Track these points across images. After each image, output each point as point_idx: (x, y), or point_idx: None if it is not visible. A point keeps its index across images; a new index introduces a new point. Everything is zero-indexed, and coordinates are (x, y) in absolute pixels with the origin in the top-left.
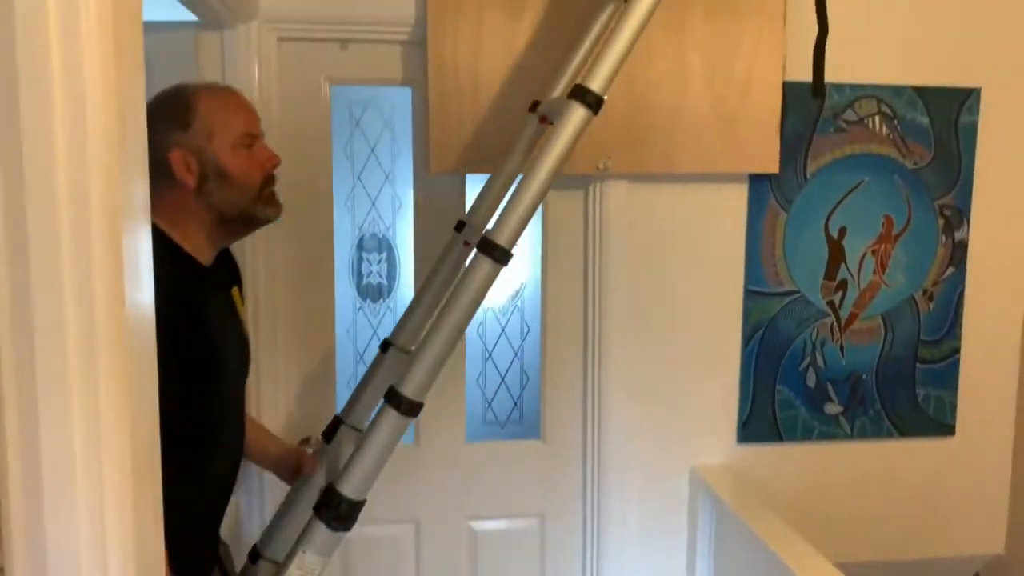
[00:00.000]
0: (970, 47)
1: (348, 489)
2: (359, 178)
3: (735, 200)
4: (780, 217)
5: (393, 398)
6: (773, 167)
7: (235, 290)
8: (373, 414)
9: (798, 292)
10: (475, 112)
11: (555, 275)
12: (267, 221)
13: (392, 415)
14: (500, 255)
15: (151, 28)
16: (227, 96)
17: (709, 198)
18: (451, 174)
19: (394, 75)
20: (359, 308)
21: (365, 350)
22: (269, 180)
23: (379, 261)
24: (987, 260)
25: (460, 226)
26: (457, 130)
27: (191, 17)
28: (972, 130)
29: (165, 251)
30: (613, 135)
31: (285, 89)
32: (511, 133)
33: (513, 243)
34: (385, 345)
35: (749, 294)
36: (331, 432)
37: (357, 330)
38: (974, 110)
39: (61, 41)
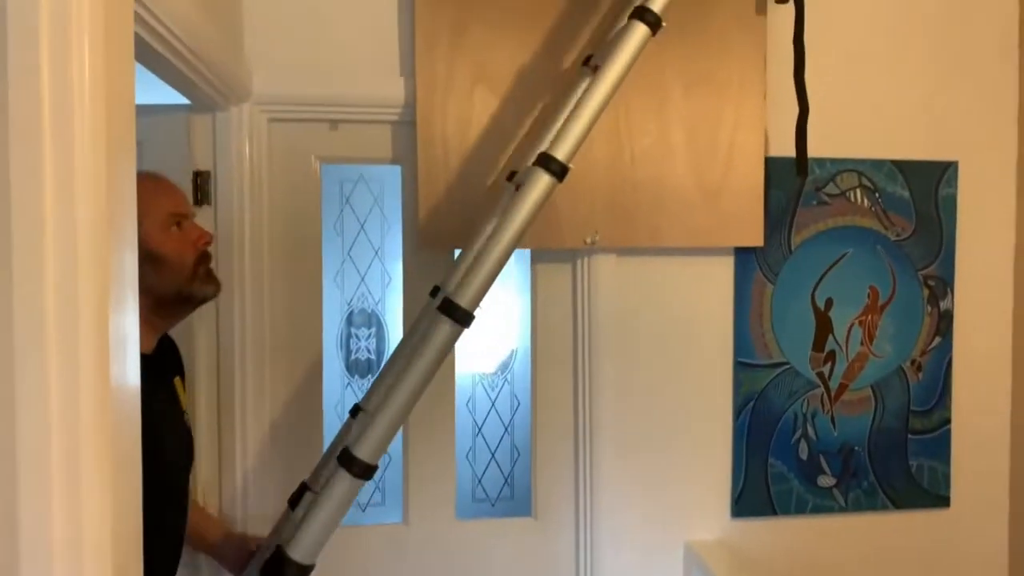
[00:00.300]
0: (946, 122)
1: (297, 553)
2: (349, 254)
3: (722, 272)
4: (767, 289)
5: (346, 460)
6: (758, 240)
7: (177, 380)
8: None
9: (787, 364)
10: (463, 189)
11: (544, 348)
12: (205, 299)
13: (345, 478)
14: (461, 316)
15: (144, 111)
16: (150, 181)
17: (696, 270)
18: (440, 249)
19: (384, 154)
20: (347, 384)
21: None
22: (204, 258)
23: (368, 336)
24: (973, 329)
25: (435, 291)
26: (446, 206)
27: (184, 100)
28: (952, 202)
29: None
30: (600, 210)
31: (276, 168)
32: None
33: (475, 305)
34: (355, 410)
35: (739, 366)
36: (296, 499)
37: (345, 407)
38: (952, 183)
39: (54, 123)
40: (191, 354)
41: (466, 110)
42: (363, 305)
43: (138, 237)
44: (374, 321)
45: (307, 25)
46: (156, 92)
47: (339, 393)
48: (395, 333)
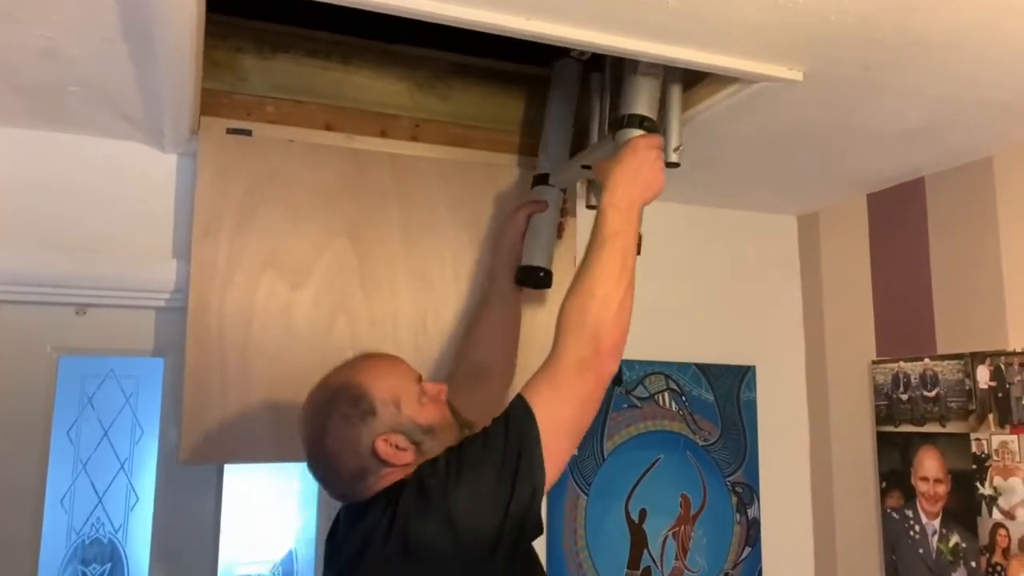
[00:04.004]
0: (742, 329)
1: None
2: (85, 467)
3: None
4: (580, 500)
5: None
6: None
7: None
8: None
9: None
10: (242, 390)
11: None
12: None
13: None
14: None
15: None
16: (377, 361)
17: None
18: (207, 463)
19: (143, 345)
20: None
21: None
22: (452, 407)
23: (101, 575)
24: (779, 538)
25: None
26: (219, 411)
27: None
28: (752, 406)
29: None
30: None
31: None
32: (286, 416)
33: None
34: None
35: None
36: None
37: None
38: (752, 387)
39: None
40: None
41: (250, 299)
42: (98, 534)
43: (407, 421)
44: (109, 555)
45: (57, 194)
46: None
47: None
48: (139, 571)
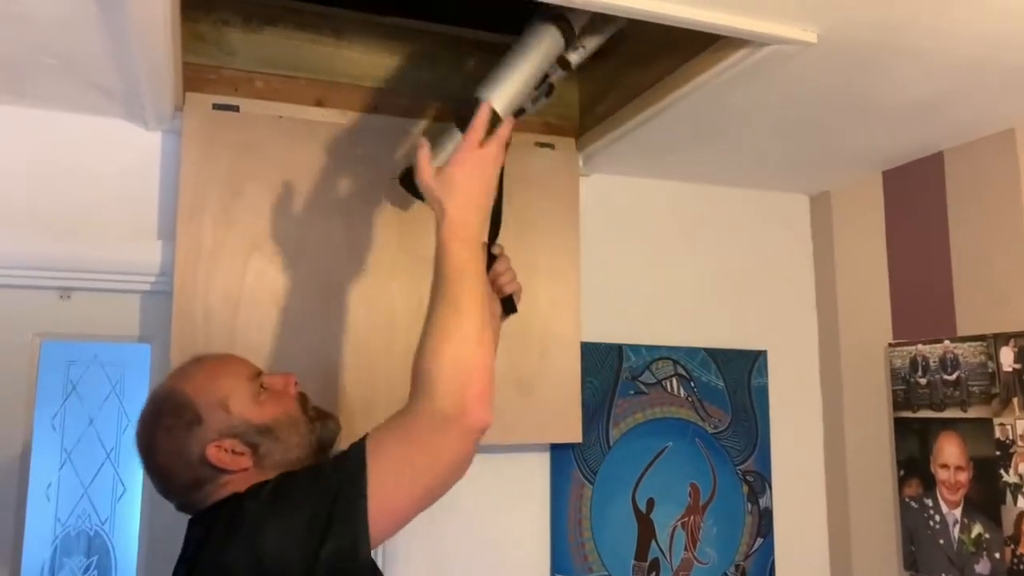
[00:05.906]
0: (753, 312)
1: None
2: (70, 457)
3: (537, 473)
4: (586, 490)
5: None
6: (576, 436)
7: None
8: None
9: None
10: None
11: None
12: (334, 436)
13: None
14: None
15: None
16: (203, 364)
17: (508, 471)
18: None
19: (129, 330)
20: None
21: None
22: (303, 400)
23: (86, 569)
24: (792, 529)
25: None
26: None
27: None
28: (763, 393)
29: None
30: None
31: None
32: None
33: None
34: None
35: None
36: None
37: None
38: (763, 372)
39: None
40: None
41: (237, 282)
42: (83, 526)
43: (239, 423)
44: (96, 547)
45: (38, 174)
46: None
47: None
48: (126, 564)
